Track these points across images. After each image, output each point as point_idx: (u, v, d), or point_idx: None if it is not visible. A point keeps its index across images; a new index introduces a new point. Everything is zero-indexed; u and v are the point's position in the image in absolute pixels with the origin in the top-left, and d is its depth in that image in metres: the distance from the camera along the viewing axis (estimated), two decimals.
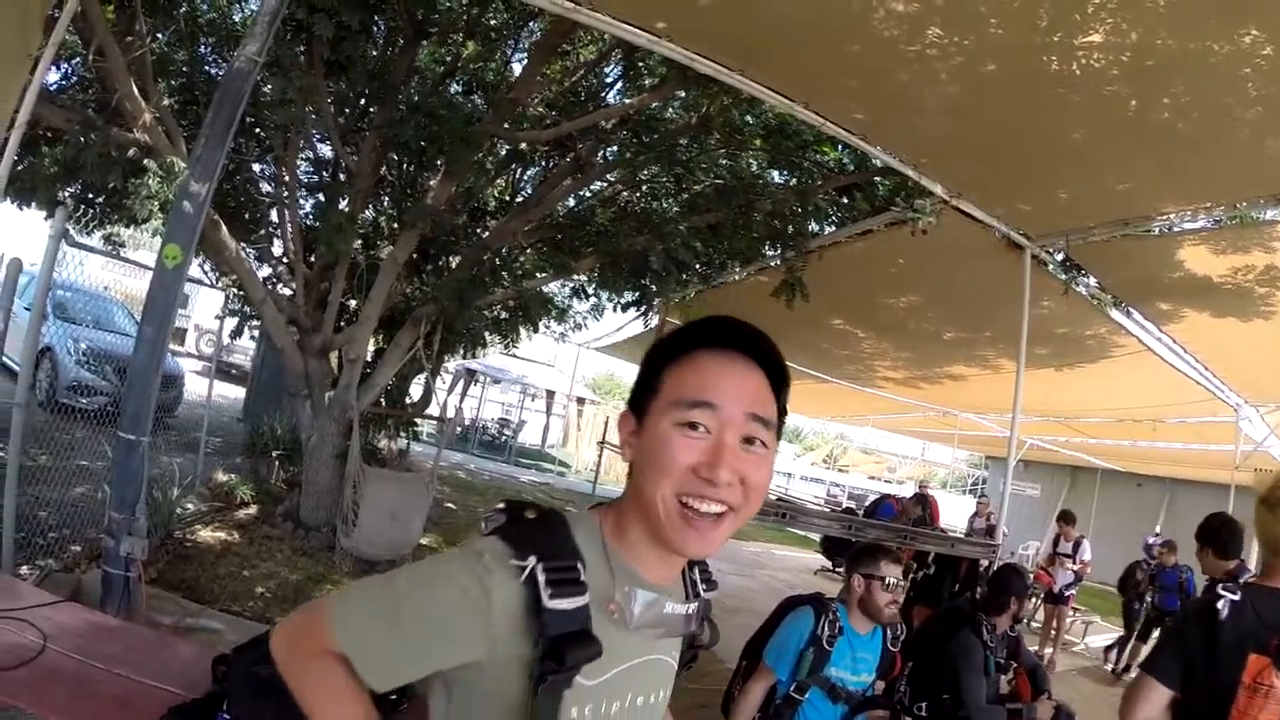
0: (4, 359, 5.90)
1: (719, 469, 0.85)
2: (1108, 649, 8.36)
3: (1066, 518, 8.76)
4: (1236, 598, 1.89)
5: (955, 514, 18.53)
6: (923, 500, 9.04)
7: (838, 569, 9.06)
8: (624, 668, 0.92)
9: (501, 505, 0.94)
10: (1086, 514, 9.49)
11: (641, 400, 0.94)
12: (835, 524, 3.99)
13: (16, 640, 2.15)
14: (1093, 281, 5.44)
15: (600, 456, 13.33)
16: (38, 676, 2.00)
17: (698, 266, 5.83)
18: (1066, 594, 8.26)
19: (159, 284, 3.77)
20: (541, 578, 0.82)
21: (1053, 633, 8.21)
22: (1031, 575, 8.84)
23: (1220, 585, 1.94)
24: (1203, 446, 10.40)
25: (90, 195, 5.60)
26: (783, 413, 0.95)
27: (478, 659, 0.84)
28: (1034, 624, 9.08)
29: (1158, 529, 11.25)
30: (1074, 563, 8.33)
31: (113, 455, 3.86)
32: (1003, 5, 2.79)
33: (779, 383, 0.94)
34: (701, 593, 1.07)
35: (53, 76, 5.23)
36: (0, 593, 2.50)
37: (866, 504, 10.40)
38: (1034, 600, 8.60)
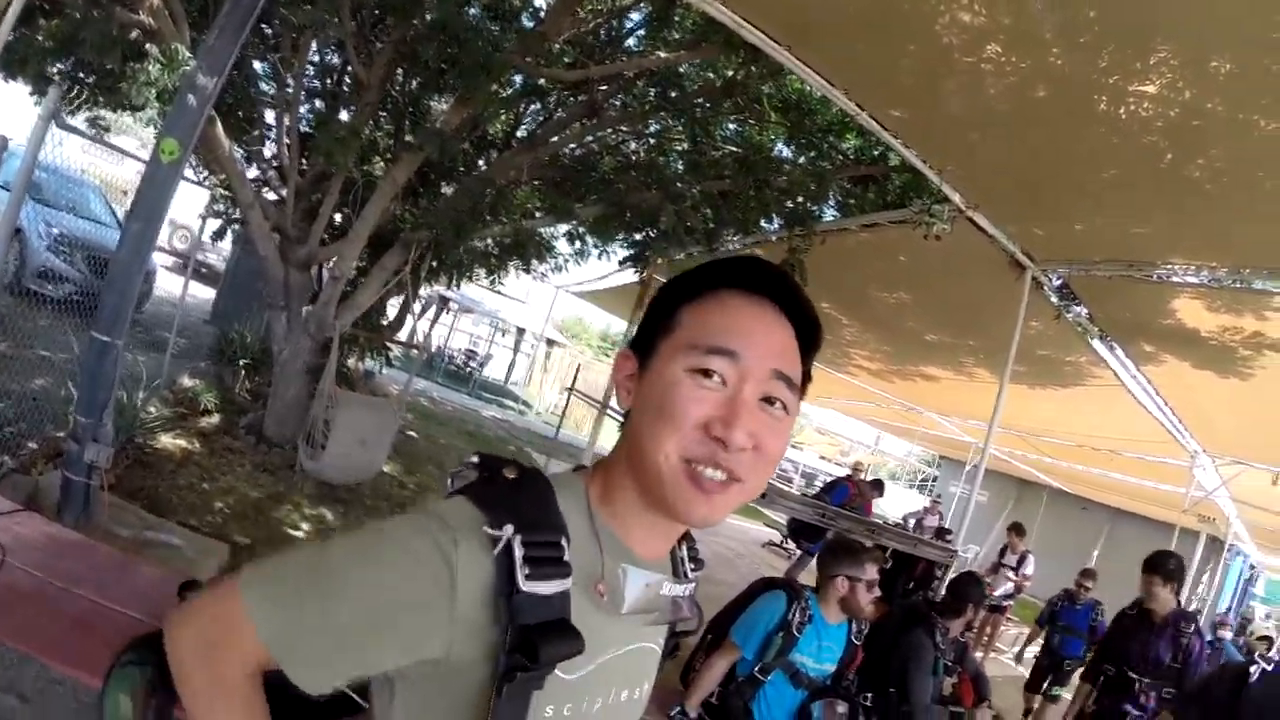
0: None
1: (734, 428, 0.72)
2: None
3: (1018, 530, 8.95)
4: (1269, 668, 1.97)
5: (898, 506, 18.96)
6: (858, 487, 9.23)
7: (796, 548, 9.18)
8: (609, 658, 0.79)
9: (475, 458, 0.79)
10: (1030, 527, 9.71)
11: (650, 338, 0.81)
12: (808, 509, 4.00)
13: None
14: (1084, 311, 5.48)
15: (567, 403, 13.22)
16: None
17: (704, 225, 5.73)
18: (1004, 604, 8.49)
19: (152, 178, 3.60)
20: (519, 553, 0.68)
21: (985, 639, 8.45)
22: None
23: (1257, 654, 2.04)
24: (1155, 484, 10.68)
25: (82, 75, 5.25)
26: (806, 378, 0.83)
27: (435, 656, 0.70)
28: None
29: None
30: (1017, 575, 8.55)
31: (84, 355, 3.69)
32: (1069, 37, 2.77)
33: (808, 343, 0.82)
34: (689, 572, 0.93)
35: None
36: None
37: (821, 485, 10.55)
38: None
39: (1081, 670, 4.74)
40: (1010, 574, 8.55)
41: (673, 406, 0.74)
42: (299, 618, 0.68)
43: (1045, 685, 6.24)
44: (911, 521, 10.89)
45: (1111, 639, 4.44)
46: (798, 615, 2.73)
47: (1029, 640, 6.77)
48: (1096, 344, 5.75)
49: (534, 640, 0.67)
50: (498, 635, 0.68)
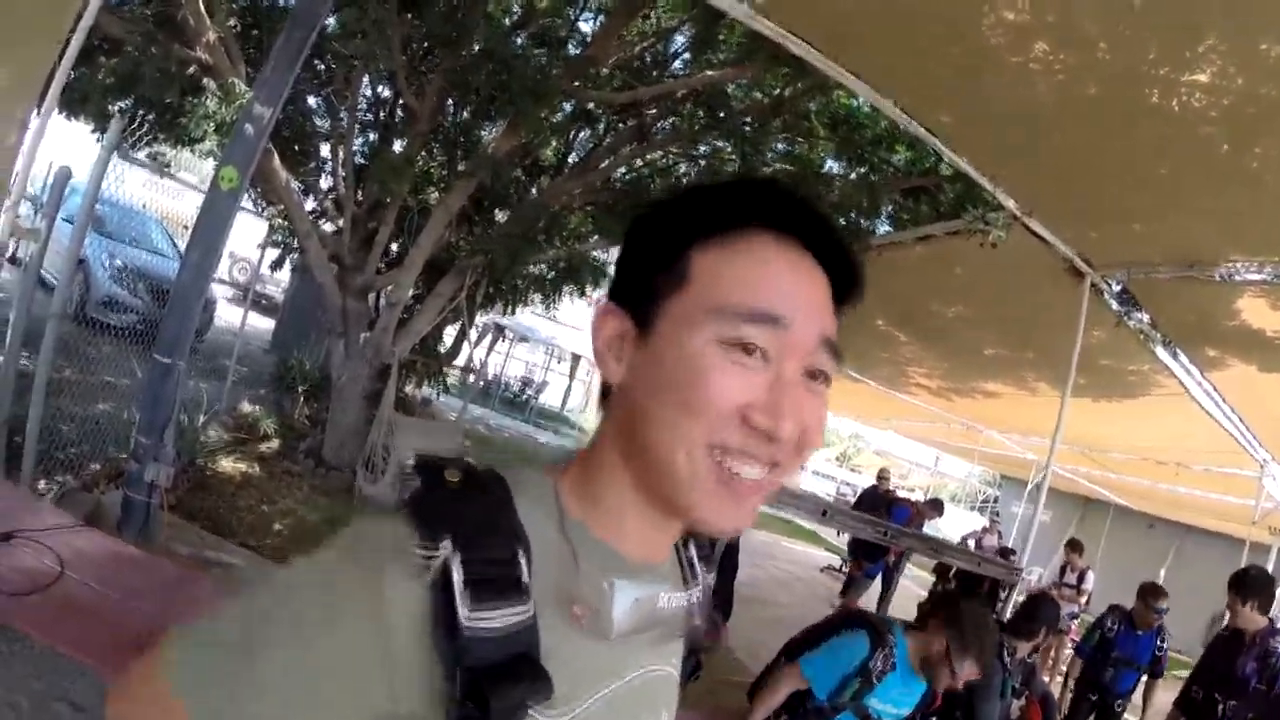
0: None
1: (783, 418, 0.57)
2: None
3: (1075, 546, 8.60)
4: None
5: (957, 529, 18.48)
6: (885, 495, 9.05)
7: (854, 569, 9.08)
8: (609, 691, 0.62)
9: (411, 460, 0.60)
10: (1094, 547, 9.34)
11: (648, 290, 0.62)
12: (870, 528, 3.92)
13: (33, 565, 2.08)
14: (1145, 318, 5.31)
15: None
16: (52, 604, 1.94)
17: None
18: (1068, 625, 8.18)
19: (211, 206, 3.71)
20: (458, 576, 0.52)
21: (1049, 662, 8.14)
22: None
23: None
24: (1221, 497, 10.26)
25: (142, 111, 5.41)
26: None
27: (384, 711, 0.53)
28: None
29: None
30: (1078, 593, 8.25)
31: (146, 377, 3.80)
32: (1115, 31, 2.71)
33: (841, 295, 0.65)
34: (700, 574, 0.76)
35: None
36: (19, 511, 2.43)
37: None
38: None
39: (1175, 698, 4.41)
40: (1070, 592, 8.24)
41: (703, 389, 0.57)
42: (220, 688, 0.54)
43: None
44: (971, 542, 10.60)
45: (1204, 661, 4.21)
46: (880, 663, 2.57)
47: (1066, 677, 5.52)
48: (1159, 351, 5.57)
49: (484, 687, 0.52)
50: (443, 680, 0.53)
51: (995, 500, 21.86)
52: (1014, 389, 8.25)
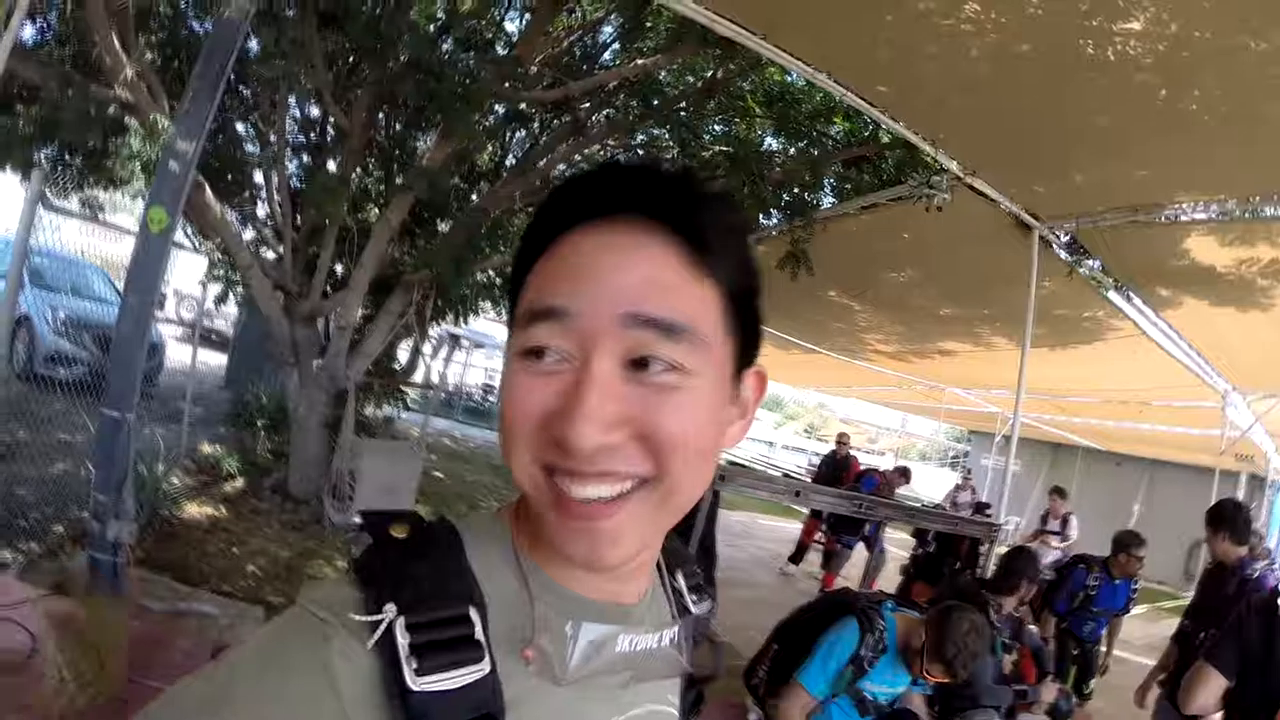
0: None
1: (574, 419, 0.49)
2: None
3: (1059, 492, 8.75)
4: None
5: (933, 487, 18.74)
6: (845, 460, 9.20)
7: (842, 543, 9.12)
8: None
9: (358, 518, 0.58)
10: (1068, 490, 9.59)
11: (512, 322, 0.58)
12: (845, 502, 3.92)
13: (6, 642, 2.04)
14: (1096, 264, 5.42)
15: None
16: (28, 682, 1.89)
17: None
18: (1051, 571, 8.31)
19: (143, 250, 3.61)
20: (402, 641, 0.49)
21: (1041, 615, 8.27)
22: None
23: None
24: (1187, 430, 10.54)
25: (67, 156, 5.34)
26: (740, 303, 0.57)
27: None
28: None
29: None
30: (1061, 540, 8.38)
31: (97, 433, 3.69)
32: None
33: (705, 253, 0.54)
34: (690, 607, 0.72)
35: (27, 31, 4.97)
36: None
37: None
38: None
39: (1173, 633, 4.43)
40: (1054, 540, 8.37)
41: (508, 406, 0.53)
42: None
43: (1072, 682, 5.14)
44: (948, 503, 10.75)
45: (1196, 597, 4.27)
46: (870, 650, 2.61)
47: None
48: (1112, 295, 5.70)
49: None
50: None
51: (965, 455, 22.25)
52: (972, 346, 8.38)
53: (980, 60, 3.25)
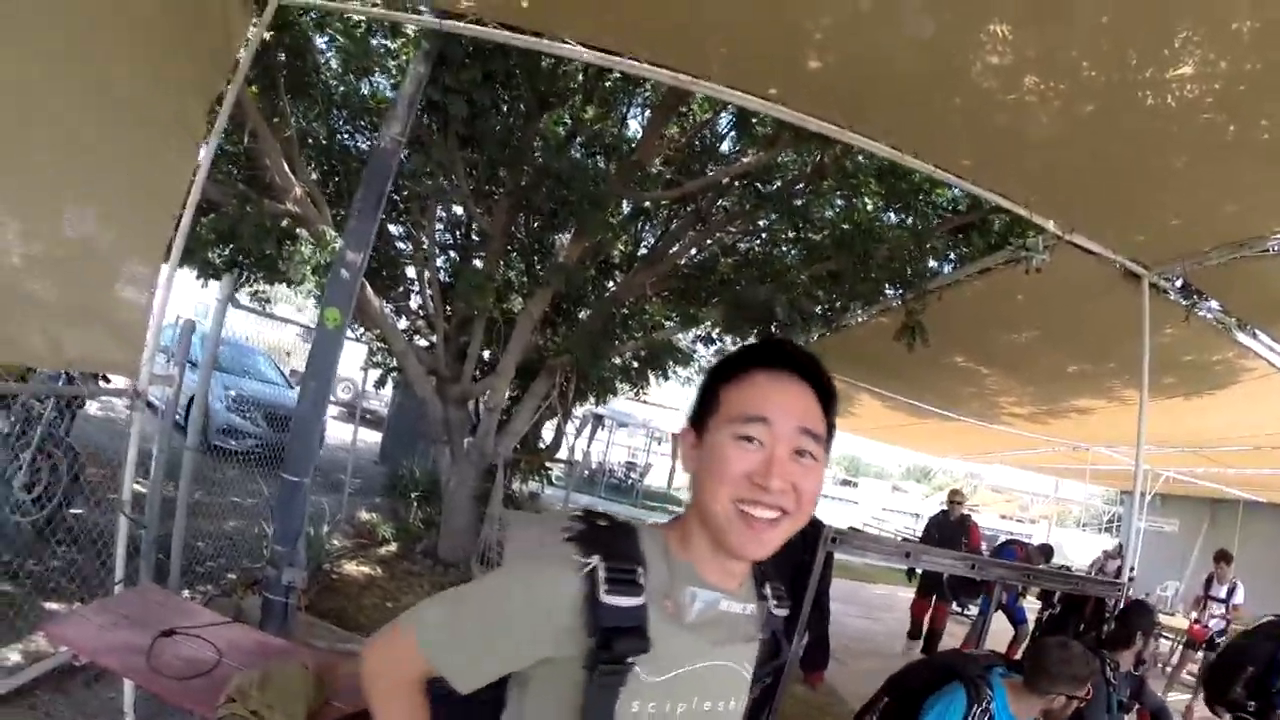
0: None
1: (771, 477, 0.92)
2: None
3: (1224, 557, 8.15)
4: None
5: (1083, 554, 17.49)
6: (962, 523, 8.28)
7: (965, 612, 8.66)
8: (688, 669, 0.96)
9: (579, 513, 1.01)
10: (1229, 548, 8.78)
11: (701, 417, 1.01)
12: (959, 563, 3.99)
13: (195, 655, 2.44)
14: (1215, 305, 5.28)
15: None
16: (213, 686, 2.26)
17: (820, 310, 5.94)
18: (1217, 640, 7.65)
19: (321, 342, 4.24)
20: (601, 574, 0.89)
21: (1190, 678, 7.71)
22: (1185, 624, 8.31)
23: None
24: None
25: (240, 258, 5.97)
26: (831, 428, 1.01)
27: (547, 655, 0.92)
28: (1167, 669, 8.60)
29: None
30: (1227, 609, 7.79)
31: (278, 494, 4.31)
32: (1093, 50, 2.89)
33: (827, 400, 1.01)
34: (772, 608, 1.12)
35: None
36: (178, 613, 2.77)
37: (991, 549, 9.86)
38: (1160, 640, 8.09)
39: None
40: (1216, 608, 7.80)
41: (724, 465, 0.94)
42: (448, 636, 0.95)
43: None
44: (1095, 570, 10.12)
45: None
46: (977, 718, 2.57)
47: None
48: (1239, 335, 5.51)
49: (611, 638, 0.88)
50: (587, 638, 0.89)
51: (1118, 519, 20.71)
52: (1105, 401, 8.09)
53: (1051, 125, 3.38)
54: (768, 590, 1.12)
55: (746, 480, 0.93)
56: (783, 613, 1.15)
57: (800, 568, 3.26)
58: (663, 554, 0.99)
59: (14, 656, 3.19)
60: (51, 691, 3.13)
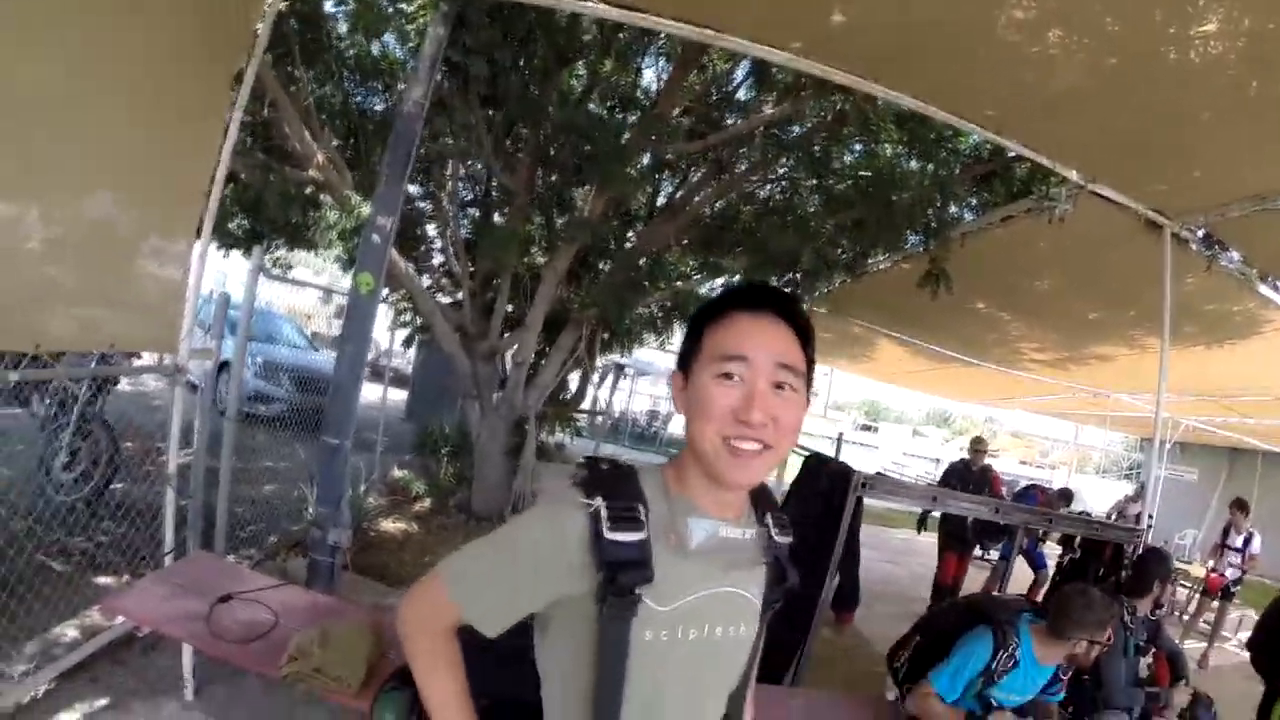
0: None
1: (753, 410, 0.98)
2: None
3: (1241, 506, 8.10)
4: None
5: (1103, 501, 17.50)
6: (984, 474, 7.60)
7: (985, 558, 8.68)
8: (696, 597, 1.02)
9: (582, 460, 1.07)
10: (1247, 499, 8.74)
11: (687, 359, 1.08)
12: (984, 507, 4.07)
13: (253, 618, 2.54)
14: (1236, 256, 5.28)
15: None
16: (272, 648, 2.36)
17: (842, 257, 5.95)
18: (1232, 590, 7.73)
19: (354, 307, 4.29)
20: (604, 512, 0.96)
21: (1203, 624, 7.77)
22: (1203, 573, 8.36)
23: None
24: None
25: (263, 227, 6.15)
26: (810, 362, 1.07)
27: (564, 593, 0.99)
28: (1184, 616, 8.70)
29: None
30: (1242, 558, 7.79)
31: (319, 457, 4.39)
32: (1117, 5, 2.89)
33: (805, 337, 1.06)
34: (774, 534, 1.18)
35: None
36: (231, 578, 2.88)
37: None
38: (1177, 588, 8.09)
39: None
40: (1233, 556, 7.82)
41: (708, 404, 1.00)
42: (473, 583, 1.04)
43: None
44: (1114, 514, 10.17)
45: None
46: (1002, 663, 2.67)
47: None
48: (1261, 288, 5.51)
49: (616, 571, 0.95)
50: (596, 573, 0.96)
51: (1139, 466, 20.67)
52: (1126, 349, 8.10)
53: (1076, 79, 3.39)
54: (769, 519, 1.19)
55: (731, 416, 0.99)
56: (785, 540, 1.21)
57: (831, 512, 3.38)
58: (662, 491, 1.06)
59: (71, 632, 3.29)
60: (110, 664, 3.24)
